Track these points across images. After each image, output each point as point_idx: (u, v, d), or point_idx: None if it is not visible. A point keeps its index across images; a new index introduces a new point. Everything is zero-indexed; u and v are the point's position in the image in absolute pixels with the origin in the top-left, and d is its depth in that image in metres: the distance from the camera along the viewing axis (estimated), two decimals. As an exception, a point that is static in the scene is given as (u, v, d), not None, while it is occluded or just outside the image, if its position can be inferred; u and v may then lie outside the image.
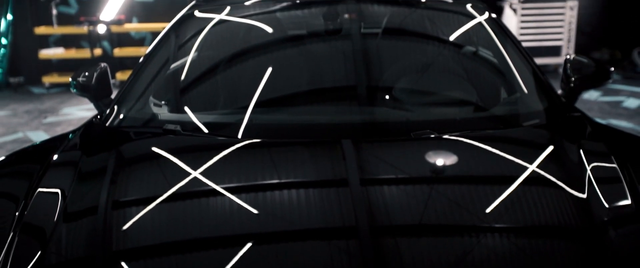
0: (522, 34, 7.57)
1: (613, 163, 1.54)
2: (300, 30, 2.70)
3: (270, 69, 2.30)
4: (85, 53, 7.78)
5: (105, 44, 8.10)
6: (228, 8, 2.73)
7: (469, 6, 2.61)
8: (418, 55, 2.54)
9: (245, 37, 2.64)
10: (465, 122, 1.82)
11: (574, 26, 7.67)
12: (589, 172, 1.47)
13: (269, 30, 2.63)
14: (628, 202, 1.39)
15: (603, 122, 5.21)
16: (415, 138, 1.71)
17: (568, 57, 2.29)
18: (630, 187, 1.45)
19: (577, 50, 7.97)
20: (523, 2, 7.52)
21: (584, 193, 1.39)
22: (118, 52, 7.80)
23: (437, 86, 2.24)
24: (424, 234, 1.30)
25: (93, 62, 7.73)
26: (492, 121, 1.89)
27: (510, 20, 7.70)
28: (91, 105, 6.60)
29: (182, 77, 2.38)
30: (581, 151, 1.58)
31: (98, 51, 7.76)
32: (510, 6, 7.70)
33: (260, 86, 2.16)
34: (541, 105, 1.95)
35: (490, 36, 2.51)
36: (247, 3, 2.79)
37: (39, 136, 5.27)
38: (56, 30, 7.71)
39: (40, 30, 7.66)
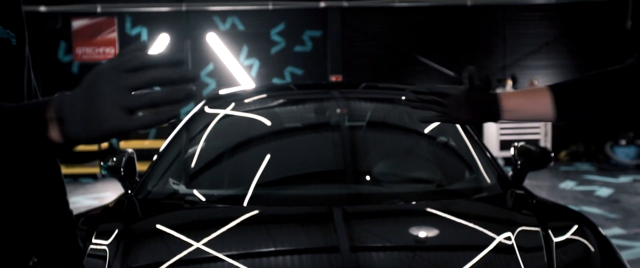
0: (502, 128, 8.14)
1: (538, 232, 1.94)
2: (295, 123, 3.19)
3: (269, 154, 2.76)
4: (91, 146, 8.26)
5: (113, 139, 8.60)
6: (233, 104, 3.23)
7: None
8: (394, 144, 3.02)
9: (248, 129, 3.12)
10: (427, 195, 2.27)
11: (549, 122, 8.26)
12: (513, 237, 1.88)
13: (268, 122, 3.11)
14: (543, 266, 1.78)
15: (576, 208, 5.63)
16: (387, 208, 2.15)
17: (516, 144, 2.77)
18: (548, 257, 1.84)
19: (554, 144, 8.53)
20: (501, 100, 8.16)
21: (506, 253, 1.80)
22: (124, 144, 8.31)
23: (408, 168, 2.70)
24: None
25: (100, 154, 8.23)
26: (448, 194, 2.33)
27: (491, 115, 8.28)
28: (97, 195, 6.99)
29: (195, 161, 2.83)
30: (513, 219, 2.01)
31: (105, 144, 8.26)
32: (490, 103, 8.33)
33: (262, 167, 2.61)
34: (490, 183, 2.40)
35: (454, 129, 2.99)
36: (247, 100, 3.29)
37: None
38: (67, 124, 8.24)
39: (53, 124, 8.18)
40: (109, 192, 7.11)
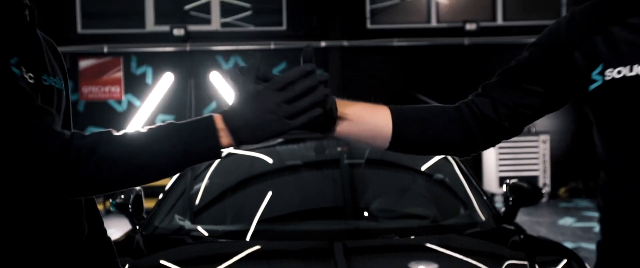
0: (500, 166, 8.25)
1: (525, 265, 2.05)
2: (296, 161, 3.31)
3: (271, 191, 2.87)
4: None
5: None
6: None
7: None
8: (392, 181, 3.13)
9: (250, 167, 3.24)
10: (422, 230, 2.38)
11: (547, 158, 8.38)
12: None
13: (270, 160, 3.23)
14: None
15: (574, 245, 5.70)
16: (385, 243, 2.26)
17: (508, 182, 2.88)
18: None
19: (553, 181, 8.62)
20: (500, 137, 8.30)
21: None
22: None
23: (405, 204, 2.81)
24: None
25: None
26: (442, 229, 2.44)
27: (489, 153, 8.41)
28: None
29: (199, 198, 2.94)
30: (502, 254, 2.12)
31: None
32: (489, 140, 8.46)
33: (264, 203, 2.72)
34: (482, 219, 2.51)
35: (448, 167, 3.11)
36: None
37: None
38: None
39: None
40: (114, 229, 7.19)
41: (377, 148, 1.34)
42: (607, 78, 1.14)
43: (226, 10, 9.13)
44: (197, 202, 2.92)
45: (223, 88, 8.89)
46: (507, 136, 1.30)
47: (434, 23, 9.10)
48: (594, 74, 1.16)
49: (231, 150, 3.31)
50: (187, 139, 1.04)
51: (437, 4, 9.09)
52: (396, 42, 8.88)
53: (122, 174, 1.03)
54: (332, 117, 1.16)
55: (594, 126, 1.24)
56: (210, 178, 3.10)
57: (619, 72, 1.12)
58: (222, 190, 3.09)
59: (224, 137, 1.07)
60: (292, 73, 1.06)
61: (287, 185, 3.11)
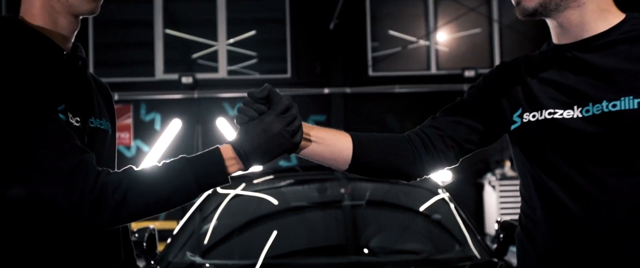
0: (502, 208, 8.38)
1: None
2: (300, 202, 3.51)
3: (277, 229, 3.06)
4: (105, 226, 8.55)
5: (124, 218, 8.90)
6: (243, 185, 3.56)
7: (429, 186, 3.45)
8: (390, 220, 3.32)
9: (257, 207, 3.43)
10: (417, 264, 2.56)
11: (547, 201, 8.52)
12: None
13: (276, 201, 3.43)
14: None
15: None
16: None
17: (498, 219, 3.06)
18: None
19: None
20: (500, 180, 8.45)
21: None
22: (134, 225, 8.56)
23: (402, 241, 2.99)
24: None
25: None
26: (436, 264, 2.62)
27: (490, 196, 8.56)
28: None
29: (209, 236, 3.13)
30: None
31: (117, 225, 8.52)
32: (489, 183, 8.62)
33: (270, 240, 2.91)
34: (474, 254, 2.69)
35: (445, 208, 3.30)
36: (256, 181, 3.63)
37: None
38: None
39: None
40: None
41: (336, 169, 1.52)
42: (525, 120, 1.38)
43: (232, 58, 9.46)
44: (206, 239, 3.11)
45: (229, 133, 9.14)
46: (449, 164, 1.53)
47: (433, 70, 9.40)
48: (515, 116, 1.41)
49: (239, 191, 3.51)
50: (198, 170, 1.24)
51: (437, 52, 9.41)
52: (397, 89, 9.15)
53: (144, 205, 1.20)
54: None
55: (514, 161, 1.48)
56: (219, 218, 3.29)
57: (534, 116, 1.36)
58: (230, 229, 3.28)
59: (232, 165, 1.29)
60: (286, 100, 1.33)
61: (292, 224, 3.31)
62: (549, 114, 1.33)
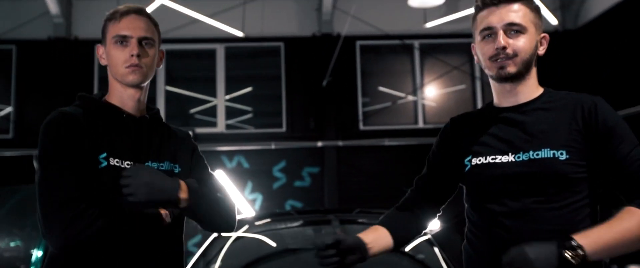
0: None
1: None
2: (296, 243, 3.91)
3: (278, 265, 3.45)
4: (105, 276, 8.80)
5: None
6: (246, 226, 3.96)
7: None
8: (379, 260, 3.72)
9: (257, 247, 3.82)
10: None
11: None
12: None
13: (273, 244, 3.83)
14: None
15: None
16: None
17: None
18: None
19: None
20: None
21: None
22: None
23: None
24: None
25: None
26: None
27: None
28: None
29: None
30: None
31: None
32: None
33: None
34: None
35: (428, 249, 3.71)
36: (258, 223, 4.03)
37: None
38: (82, 255, 8.83)
39: (69, 255, 8.78)
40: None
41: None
42: (473, 163, 1.85)
43: (229, 113, 9.94)
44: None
45: (227, 185, 9.52)
46: (436, 214, 2.05)
47: (421, 124, 9.91)
48: (466, 161, 1.87)
49: (240, 233, 3.90)
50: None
51: (424, 107, 9.94)
52: (387, 142, 9.62)
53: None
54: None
55: (465, 194, 1.94)
56: (223, 260, 3.67)
57: (479, 160, 1.83)
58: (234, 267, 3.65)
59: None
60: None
61: (289, 262, 3.69)
62: (492, 159, 1.79)
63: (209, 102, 9.89)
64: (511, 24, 1.75)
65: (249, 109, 9.96)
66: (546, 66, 8.60)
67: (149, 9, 7.17)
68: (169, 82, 9.82)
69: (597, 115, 1.73)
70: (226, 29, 8.77)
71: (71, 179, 1.66)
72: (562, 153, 1.70)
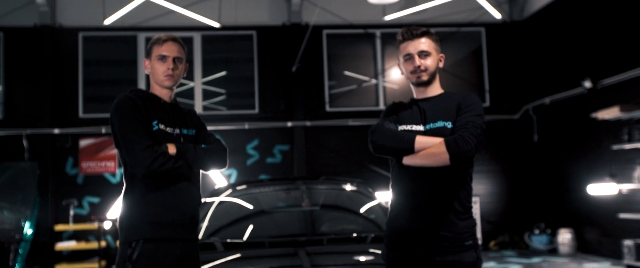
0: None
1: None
2: (271, 204, 4.84)
3: (254, 222, 4.38)
4: (92, 245, 9.61)
5: (109, 238, 9.97)
6: (229, 191, 4.87)
7: (368, 190, 4.83)
8: (337, 214, 4.68)
9: (237, 210, 4.73)
10: (348, 234, 3.91)
11: (478, 216, 9.99)
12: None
13: (250, 206, 4.74)
14: None
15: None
16: (328, 248, 3.79)
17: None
18: None
19: (484, 236, 10.20)
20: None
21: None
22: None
23: (342, 225, 4.35)
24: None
25: (100, 252, 9.53)
26: (359, 238, 3.97)
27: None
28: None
29: (203, 230, 4.39)
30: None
31: (103, 243, 9.59)
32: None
33: (250, 228, 4.22)
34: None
35: (379, 208, 4.66)
36: (238, 188, 4.94)
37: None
38: (71, 227, 9.60)
39: (59, 227, 9.55)
40: None
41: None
42: (400, 129, 2.73)
43: (206, 94, 10.73)
44: (203, 230, 4.37)
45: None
46: None
47: (382, 106, 10.87)
48: (398, 127, 2.75)
49: (222, 198, 4.81)
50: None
51: (384, 89, 10.89)
52: (351, 122, 10.57)
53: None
54: None
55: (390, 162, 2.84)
56: (211, 217, 4.56)
57: (404, 127, 2.72)
58: (221, 223, 4.56)
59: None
60: None
61: (265, 219, 4.62)
62: (410, 126, 2.70)
63: (186, 84, 10.64)
64: (422, 51, 2.72)
65: (222, 91, 10.75)
66: (496, 54, 9.96)
67: (134, 4, 7.89)
68: (149, 66, 10.52)
69: (464, 102, 2.69)
70: (203, 20, 9.55)
71: (145, 135, 2.59)
72: (449, 123, 2.65)
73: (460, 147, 2.52)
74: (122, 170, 2.72)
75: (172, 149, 2.64)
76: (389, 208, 2.82)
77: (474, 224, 2.73)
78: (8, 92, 10.22)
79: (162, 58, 2.76)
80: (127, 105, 2.66)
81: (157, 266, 2.60)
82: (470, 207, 2.74)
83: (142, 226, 2.62)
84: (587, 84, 8.51)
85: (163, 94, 2.81)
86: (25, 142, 9.94)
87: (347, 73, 10.87)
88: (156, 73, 2.77)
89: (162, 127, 2.70)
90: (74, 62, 10.37)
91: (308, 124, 10.54)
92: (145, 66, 2.83)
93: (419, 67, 2.71)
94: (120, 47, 10.69)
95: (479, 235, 9.92)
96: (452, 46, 11.00)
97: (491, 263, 8.53)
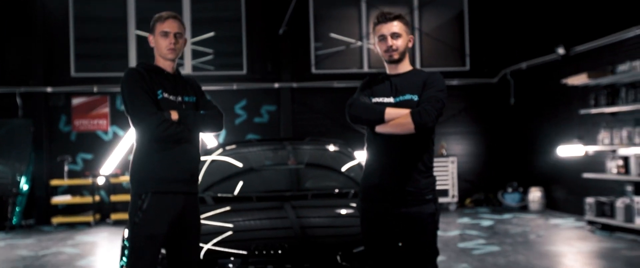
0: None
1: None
2: (259, 162, 5.27)
3: (243, 179, 4.81)
4: (87, 199, 10.03)
5: (102, 192, 10.39)
6: (220, 150, 5.29)
7: (349, 151, 5.27)
8: (320, 172, 5.13)
9: (228, 167, 5.15)
10: (330, 190, 4.37)
11: (455, 175, 10.53)
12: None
13: (240, 164, 5.17)
14: None
15: (462, 232, 7.74)
16: (311, 202, 4.26)
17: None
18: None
19: (461, 193, 10.77)
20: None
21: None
22: (113, 198, 10.10)
23: (324, 182, 4.80)
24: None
25: (94, 206, 9.95)
26: (341, 194, 4.43)
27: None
28: (92, 237, 8.88)
29: (200, 181, 4.82)
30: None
31: (97, 198, 10.02)
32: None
33: (240, 184, 4.65)
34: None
35: (358, 168, 5.11)
36: (228, 147, 5.36)
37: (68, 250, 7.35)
38: (66, 182, 9.99)
39: (54, 182, 9.94)
40: (101, 235, 8.83)
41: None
42: (373, 101, 3.13)
43: (195, 54, 11.01)
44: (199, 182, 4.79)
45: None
46: None
47: (366, 68, 11.24)
48: (372, 99, 3.15)
49: (214, 157, 5.22)
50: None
51: (369, 52, 11.24)
52: (336, 84, 10.94)
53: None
54: None
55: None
56: (203, 177, 4.98)
57: (376, 100, 3.12)
58: (213, 180, 4.98)
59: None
60: None
61: (253, 175, 5.06)
62: (381, 99, 3.11)
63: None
64: (394, 33, 3.11)
65: (210, 51, 11.02)
66: (477, 19, 10.23)
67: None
68: (139, 26, 10.75)
69: (429, 79, 3.10)
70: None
71: (151, 102, 2.98)
72: (415, 97, 3.06)
73: (423, 118, 2.93)
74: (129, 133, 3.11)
75: (174, 115, 3.01)
76: (364, 167, 3.24)
77: (434, 181, 3.18)
78: (2, 52, 10.42)
79: (165, 34, 3.11)
80: (135, 77, 3.03)
81: (163, 214, 3.03)
82: (432, 167, 3.18)
83: (150, 181, 3.03)
84: (561, 51, 8.93)
85: (166, 65, 3.16)
86: (18, 100, 10.22)
87: (333, 35, 11.17)
88: (159, 47, 3.13)
89: (165, 95, 3.07)
90: (65, 20, 10.56)
91: (294, 85, 10.89)
92: (150, 41, 3.18)
93: (391, 46, 3.10)
94: (110, 3, 10.86)
95: (456, 193, 10.49)
96: (435, 11, 11.32)
97: (466, 219, 9.11)
